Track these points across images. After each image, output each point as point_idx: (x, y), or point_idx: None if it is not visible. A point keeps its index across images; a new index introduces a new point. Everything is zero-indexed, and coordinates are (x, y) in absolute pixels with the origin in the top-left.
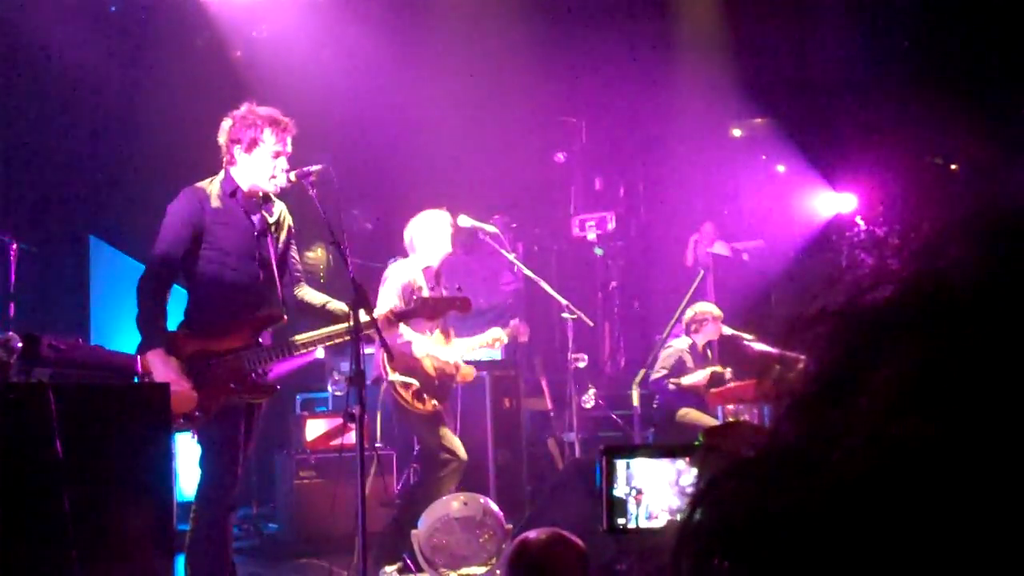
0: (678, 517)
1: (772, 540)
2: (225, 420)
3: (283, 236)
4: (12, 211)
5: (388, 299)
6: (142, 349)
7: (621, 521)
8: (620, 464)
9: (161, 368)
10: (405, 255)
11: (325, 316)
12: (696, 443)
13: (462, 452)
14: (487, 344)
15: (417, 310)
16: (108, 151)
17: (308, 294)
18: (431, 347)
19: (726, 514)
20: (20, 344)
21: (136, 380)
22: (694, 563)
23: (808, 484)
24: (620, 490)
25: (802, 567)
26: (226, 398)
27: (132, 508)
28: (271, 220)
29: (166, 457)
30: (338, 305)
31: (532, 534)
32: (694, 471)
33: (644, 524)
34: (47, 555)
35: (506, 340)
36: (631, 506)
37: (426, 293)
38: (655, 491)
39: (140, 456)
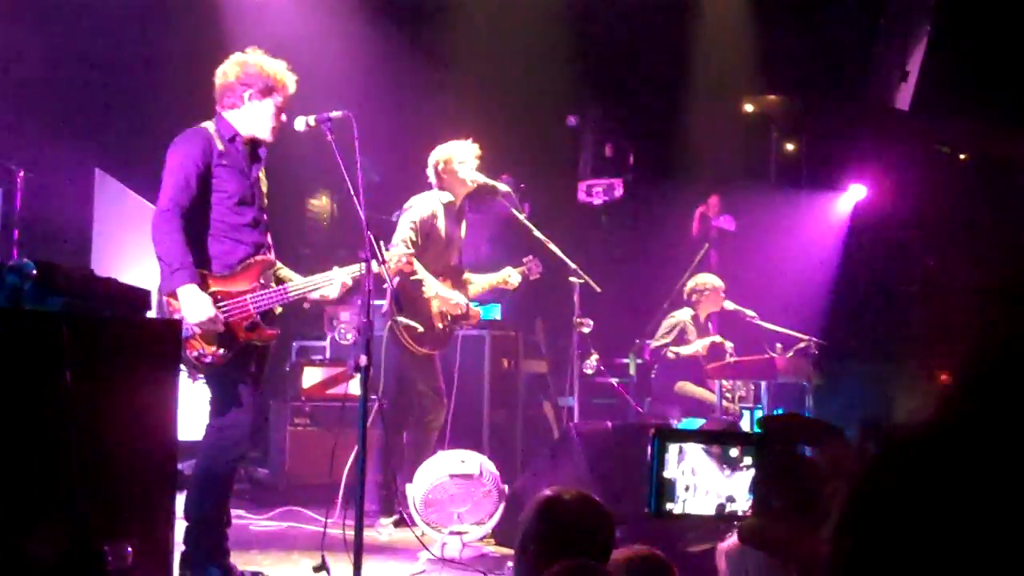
0: (728, 505)
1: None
2: (237, 367)
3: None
4: (20, 140)
5: (403, 231)
6: (171, 285)
7: (669, 506)
8: (672, 448)
9: (196, 303)
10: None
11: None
12: (753, 432)
13: (443, 399)
14: (500, 283)
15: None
16: (118, 86)
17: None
18: (441, 288)
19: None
20: (35, 271)
21: (148, 315)
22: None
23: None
24: (670, 474)
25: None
26: (242, 341)
27: (137, 444)
28: (259, 170)
29: (173, 394)
30: (287, 272)
31: (560, 491)
32: (749, 459)
33: (692, 510)
34: (51, 486)
35: (519, 280)
36: (680, 491)
37: (443, 228)
38: (705, 477)
39: (148, 392)
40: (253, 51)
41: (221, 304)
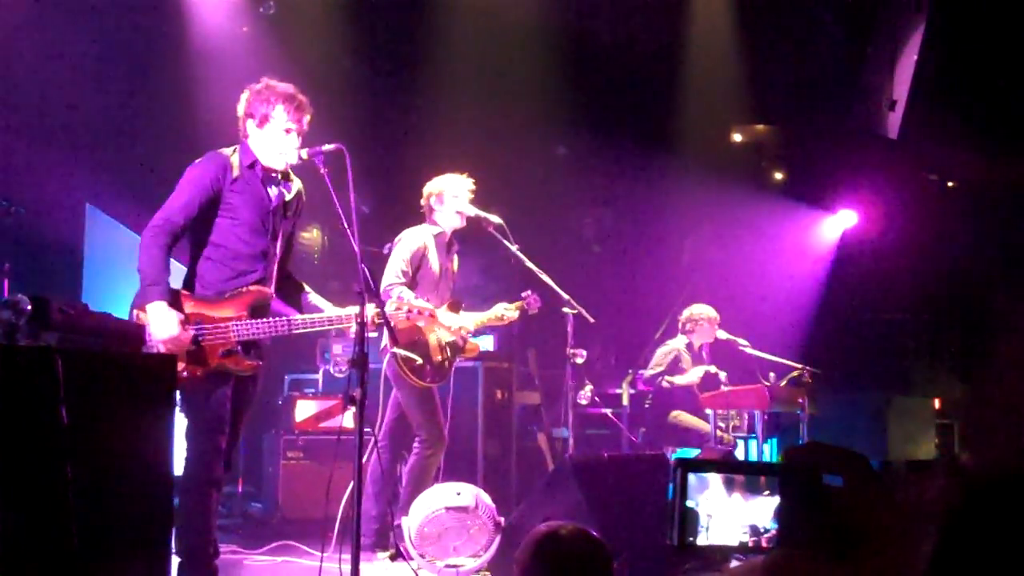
0: (752, 536)
1: None
2: (211, 392)
3: (296, 215)
4: (10, 174)
5: (396, 264)
6: (142, 299)
7: (692, 537)
8: (694, 478)
9: (162, 320)
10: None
11: (302, 306)
12: (777, 461)
13: (444, 434)
14: (495, 319)
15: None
16: (109, 120)
17: (298, 282)
18: (439, 315)
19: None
20: (29, 307)
21: (143, 350)
22: None
23: None
24: (692, 505)
25: None
26: (213, 365)
27: (133, 478)
28: (288, 197)
29: (168, 429)
30: (319, 301)
31: (556, 526)
32: (773, 489)
33: (716, 541)
34: (46, 523)
35: (515, 315)
36: (703, 522)
37: (435, 262)
38: (728, 508)
39: (143, 427)
40: (264, 81)
41: (199, 326)
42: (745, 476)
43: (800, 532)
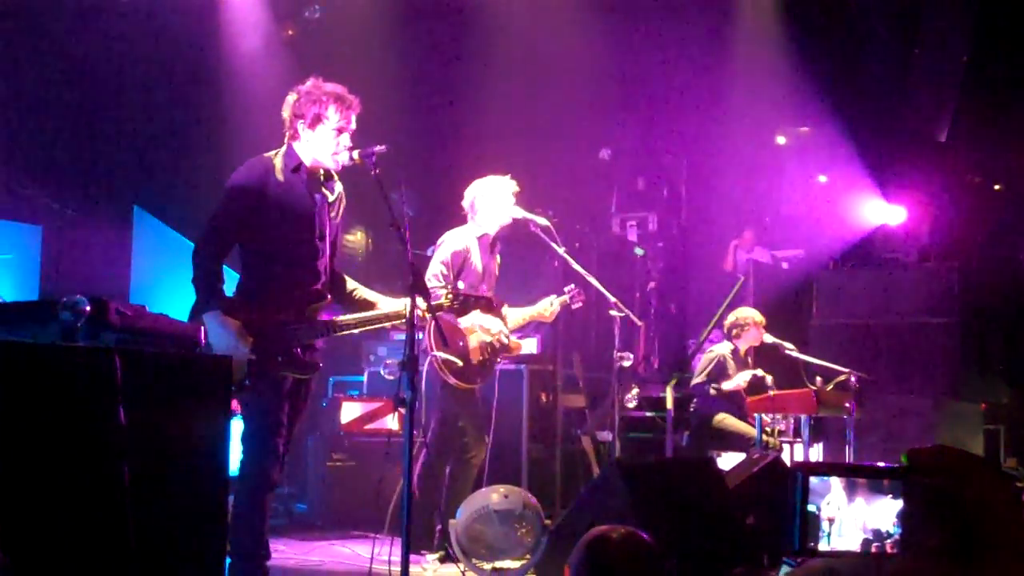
0: (875, 541)
1: None
2: (270, 396)
3: (338, 216)
4: (59, 177)
5: (435, 267)
6: (198, 310)
7: (813, 542)
8: (815, 481)
9: (219, 330)
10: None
11: (352, 302)
12: (900, 465)
13: (485, 434)
14: (538, 315)
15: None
16: (158, 123)
17: (344, 278)
18: (479, 316)
19: None
20: (88, 308)
21: (198, 351)
22: None
23: None
24: (813, 509)
25: None
26: (272, 371)
27: (189, 480)
28: (331, 198)
29: (224, 430)
30: (368, 294)
31: (607, 530)
32: (893, 493)
33: (836, 545)
34: (103, 523)
35: (558, 309)
36: (824, 525)
37: (478, 263)
38: (851, 512)
39: (199, 428)
40: (311, 81)
41: (252, 332)
42: (869, 484)
43: (926, 538)
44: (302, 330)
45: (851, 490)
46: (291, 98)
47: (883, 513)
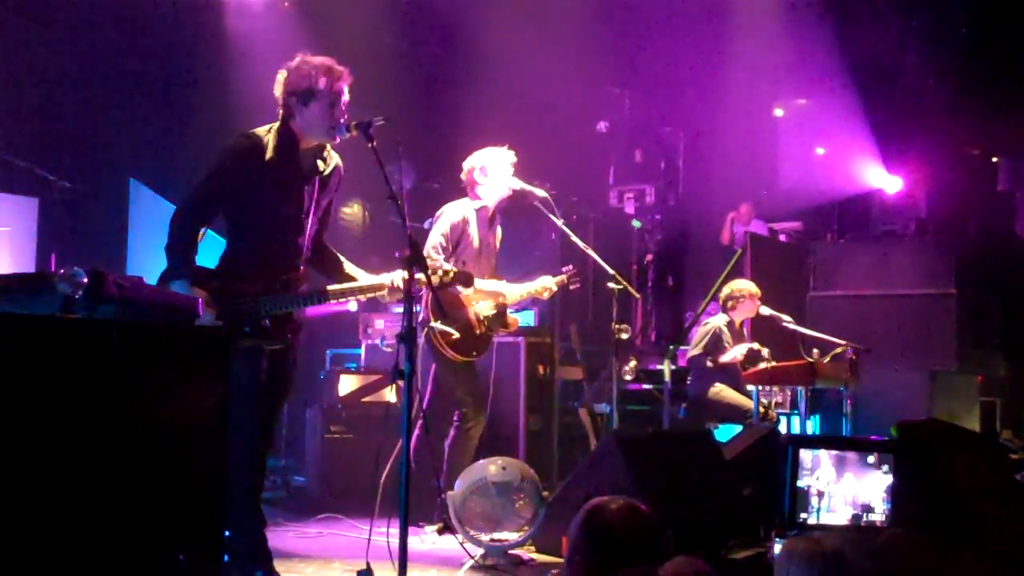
0: (865, 515)
1: None
2: (245, 365)
3: (330, 188)
4: (55, 151)
5: (434, 238)
6: (167, 278)
7: (803, 515)
8: (806, 455)
9: None
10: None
11: (339, 275)
12: (889, 438)
13: (484, 406)
14: (537, 292)
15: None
16: (155, 95)
17: (333, 252)
18: (478, 283)
19: None
20: (86, 279)
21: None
22: None
23: None
24: (804, 483)
25: None
26: (240, 340)
27: (187, 451)
28: (326, 171)
29: (223, 403)
30: (351, 269)
31: (606, 500)
32: (887, 467)
33: (825, 519)
34: (104, 493)
35: (555, 289)
36: (813, 500)
37: (476, 235)
38: (840, 485)
39: (198, 399)
40: (299, 57)
41: (221, 302)
42: (859, 456)
43: (916, 513)
44: (269, 300)
45: (840, 465)
46: (281, 76)
47: (873, 486)
